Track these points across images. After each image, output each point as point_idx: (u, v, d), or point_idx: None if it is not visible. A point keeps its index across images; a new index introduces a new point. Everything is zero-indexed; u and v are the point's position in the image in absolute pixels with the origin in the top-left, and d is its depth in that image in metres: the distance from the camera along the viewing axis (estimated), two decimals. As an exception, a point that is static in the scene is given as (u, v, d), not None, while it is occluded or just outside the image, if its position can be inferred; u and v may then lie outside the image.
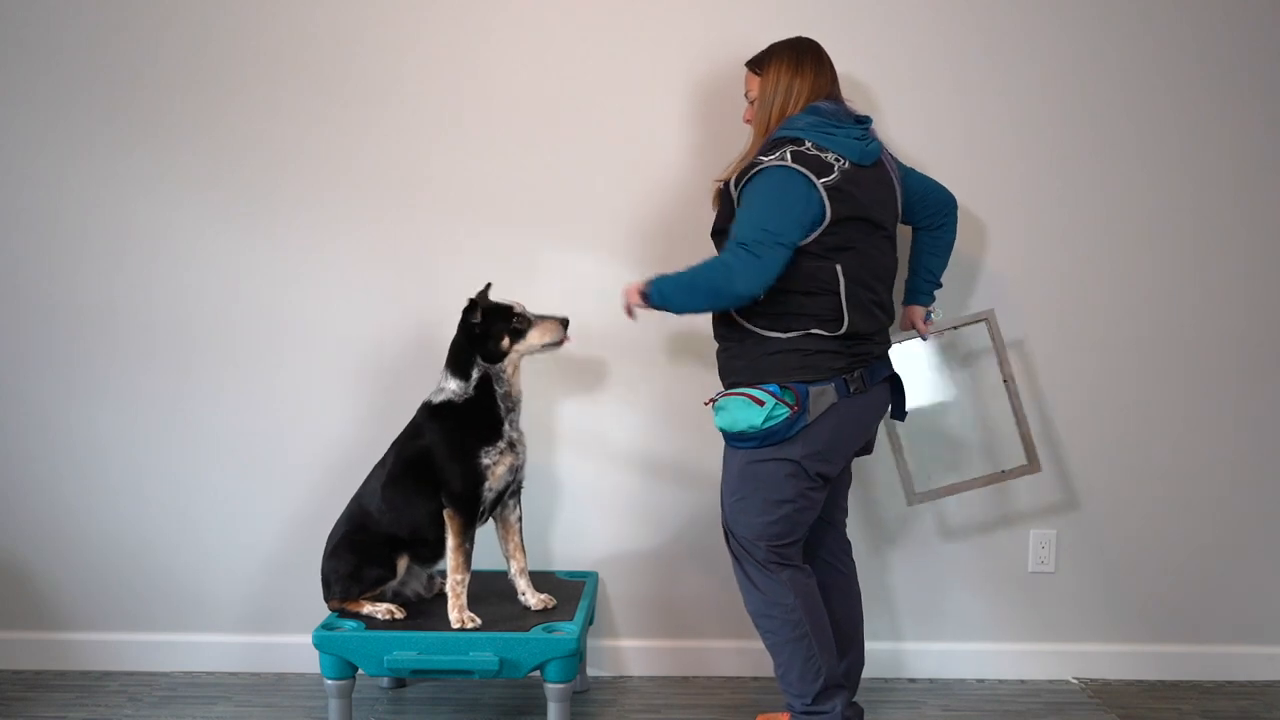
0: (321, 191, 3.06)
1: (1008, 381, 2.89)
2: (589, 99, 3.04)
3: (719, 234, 2.51)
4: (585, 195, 3.06)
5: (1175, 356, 3.13)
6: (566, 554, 3.16)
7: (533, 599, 2.78)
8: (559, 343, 2.70)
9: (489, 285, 2.76)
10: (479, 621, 2.62)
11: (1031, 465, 2.89)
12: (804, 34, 2.58)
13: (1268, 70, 3.05)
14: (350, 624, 2.63)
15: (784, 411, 2.38)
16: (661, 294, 2.44)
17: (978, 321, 2.91)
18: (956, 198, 2.75)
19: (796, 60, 2.49)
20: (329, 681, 2.59)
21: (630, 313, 2.56)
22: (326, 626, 2.61)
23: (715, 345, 2.60)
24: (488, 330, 2.66)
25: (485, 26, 3.02)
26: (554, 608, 2.77)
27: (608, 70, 3.03)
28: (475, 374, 2.67)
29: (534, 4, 3.02)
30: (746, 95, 2.60)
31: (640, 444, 3.13)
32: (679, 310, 2.48)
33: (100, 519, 3.15)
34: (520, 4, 3.02)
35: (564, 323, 2.70)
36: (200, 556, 3.15)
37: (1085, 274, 3.09)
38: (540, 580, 2.93)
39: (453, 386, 2.69)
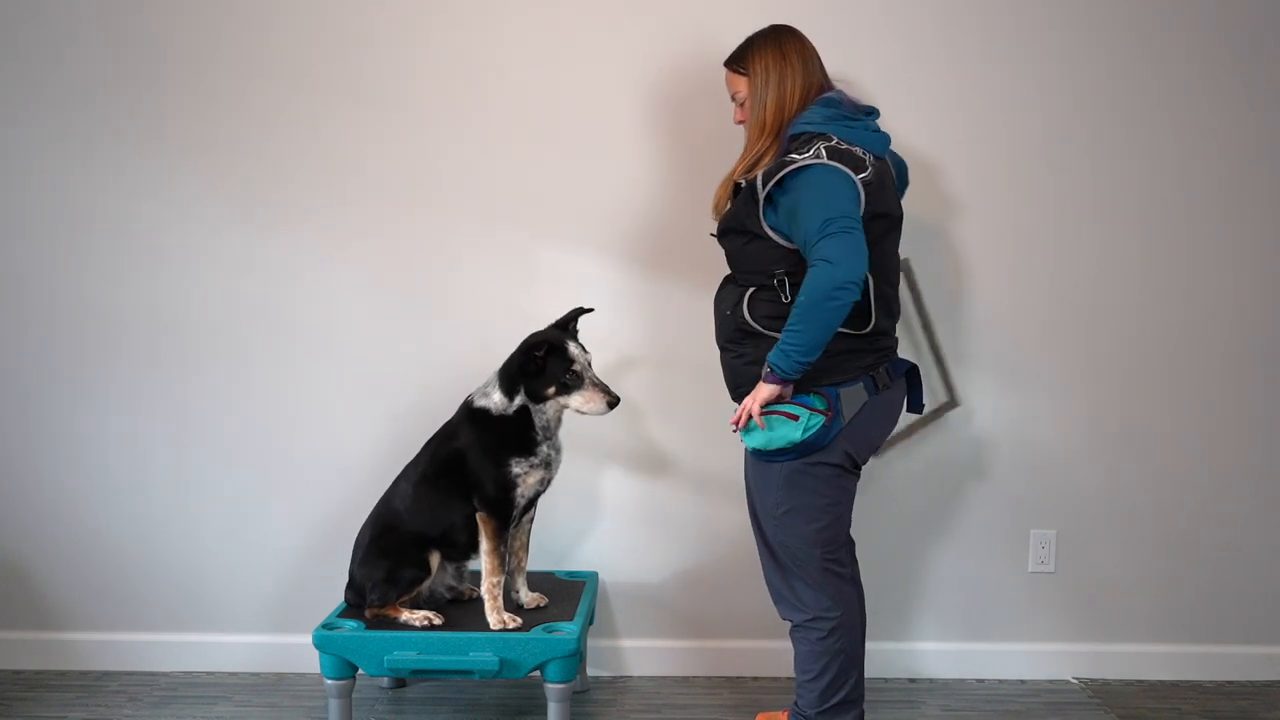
0: (328, 195, 3.06)
1: (926, 322, 2.95)
2: (596, 101, 3.03)
3: (730, 233, 2.44)
4: (593, 198, 3.05)
5: (1174, 356, 3.13)
6: (566, 554, 3.16)
7: (525, 596, 2.80)
8: (599, 413, 2.62)
9: (586, 310, 2.72)
10: (520, 621, 2.63)
11: (952, 401, 2.95)
12: (796, 28, 2.48)
13: (1261, 69, 3.05)
14: (351, 624, 2.62)
15: (819, 420, 2.33)
16: (787, 355, 2.24)
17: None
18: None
19: (780, 51, 2.40)
20: (329, 681, 2.59)
21: (756, 420, 2.33)
22: (326, 626, 2.61)
23: (720, 350, 2.52)
24: (542, 369, 2.60)
25: (490, 28, 3.02)
26: (545, 606, 2.78)
27: (612, 71, 3.03)
28: (518, 400, 2.64)
29: (536, 5, 3.03)
30: (733, 97, 2.50)
31: (640, 444, 3.13)
32: (815, 352, 2.24)
33: (101, 519, 3.15)
34: (522, 5, 3.02)
35: (611, 402, 2.60)
36: (201, 557, 3.16)
37: (1079, 274, 3.09)
38: (540, 580, 2.94)
39: (495, 399, 2.66)
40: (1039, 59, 3.03)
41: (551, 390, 2.61)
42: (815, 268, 2.21)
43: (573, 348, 2.62)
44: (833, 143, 2.30)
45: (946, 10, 3.02)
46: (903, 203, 2.55)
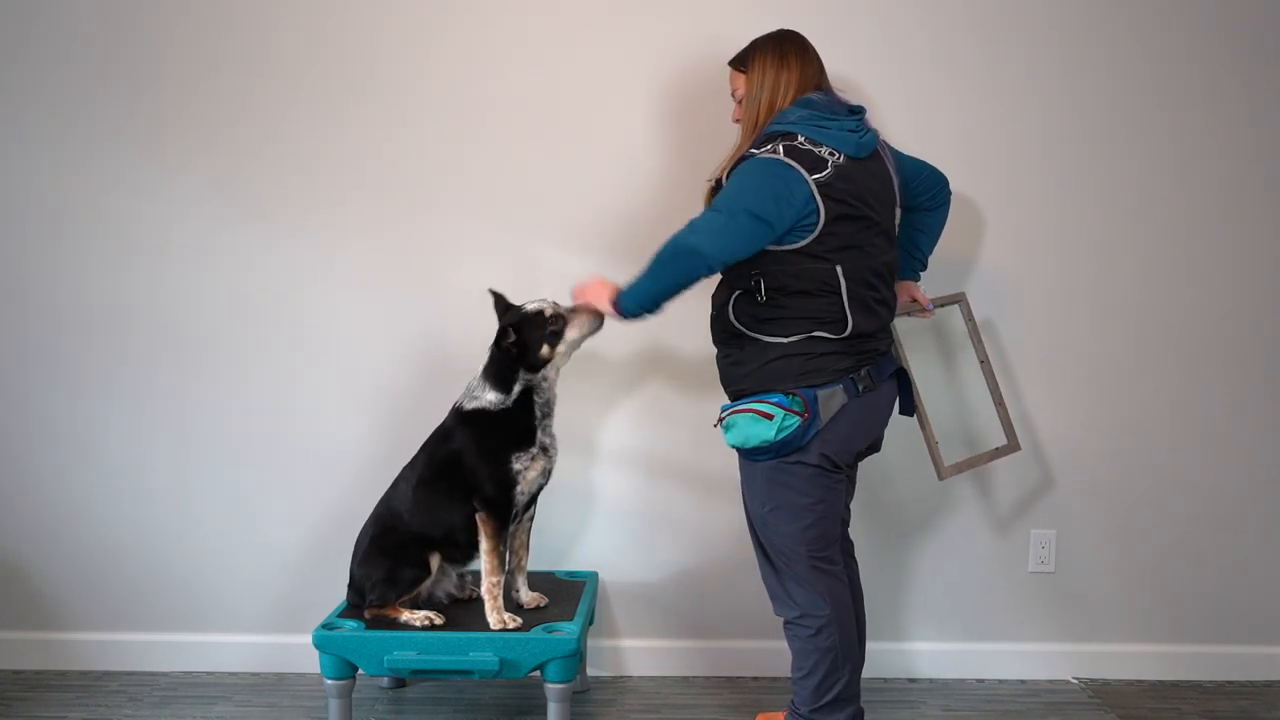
0: (329, 196, 3.06)
1: (984, 363, 2.92)
2: (597, 101, 3.04)
3: None
4: (595, 198, 3.05)
5: (1174, 357, 3.13)
6: (567, 554, 3.16)
7: (525, 596, 2.80)
8: (598, 328, 2.61)
9: (497, 293, 2.73)
10: (520, 621, 2.63)
11: (1011, 444, 2.91)
12: (795, 29, 2.52)
13: (1261, 69, 3.05)
14: (351, 624, 2.62)
15: (795, 421, 2.35)
16: (630, 295, 2.39)
17: (952, 303, 2.92)
18: (952, 196, 2.74)
19: (780, 53, 2.45)
20: (329, 681, 2.59)
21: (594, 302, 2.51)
22: (326, 626, 2.61)
23: (715, 350, 2.56)
24: (525, 344, 2.60)
25: (491, 29, 3.02)
26: (545, 606, 2.78)
27: (613, 71, 3.03)
28: (518, 387, 2.63)
29: (537, 5, 3.03)
30: (733, 94, 2.55)
31: (640, 443, 3.13)
32: (652, 301, 2.38)
33: (102, 519, 3.15)
34: (523, 6, 3.02)
35: (599, 314, 2.57)
36: (201, 557, 3.15)
37: (1078, 276, 3.10)
38: (540, 580, 2.94)
39: (490, 397, 2.64)
40: (1039, 59, 3.03)
41: (546, 349, 2.60)
42: (688, 224, 2.33)
43: (530, 305, 2.64)
44: (795, 142, 2.34)
45: (945, 11, 3.02)
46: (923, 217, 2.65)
